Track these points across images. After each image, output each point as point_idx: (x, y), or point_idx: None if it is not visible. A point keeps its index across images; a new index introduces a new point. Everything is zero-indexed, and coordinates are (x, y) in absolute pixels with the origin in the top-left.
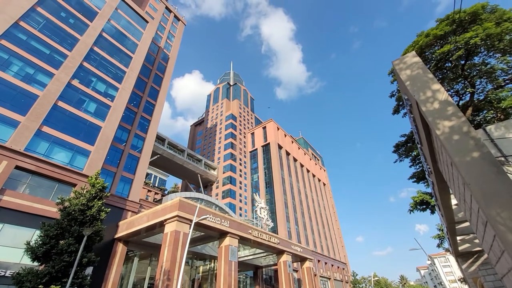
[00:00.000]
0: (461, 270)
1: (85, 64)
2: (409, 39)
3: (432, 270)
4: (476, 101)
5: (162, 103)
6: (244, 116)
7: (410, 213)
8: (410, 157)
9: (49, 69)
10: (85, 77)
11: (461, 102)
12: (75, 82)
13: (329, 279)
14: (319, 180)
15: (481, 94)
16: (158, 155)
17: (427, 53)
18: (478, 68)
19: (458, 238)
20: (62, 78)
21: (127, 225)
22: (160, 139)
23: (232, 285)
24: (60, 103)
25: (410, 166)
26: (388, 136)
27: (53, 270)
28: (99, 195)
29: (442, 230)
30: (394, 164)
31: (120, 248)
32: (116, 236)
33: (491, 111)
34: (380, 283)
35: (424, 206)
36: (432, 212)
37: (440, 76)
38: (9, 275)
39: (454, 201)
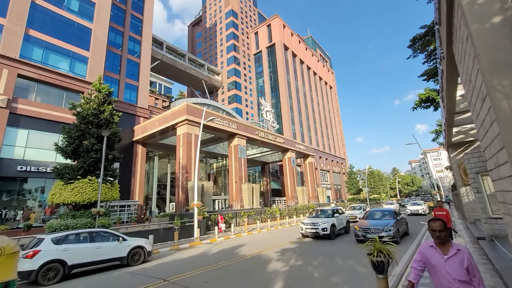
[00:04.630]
0: (449, 159)
1: None
2: None
3: (423, 162)
4: None
5: None
6: (246, 12)
7: (413, 110)
8: (425, 52)
9: None
10: None
11: None
12: None
13: (328, 171)
14: (326, 83)
15: None
16: (159, 61)
17: None
18: None
19: (454, 129)
20: None
21: (142, 129)
22: (157, 42)
23: (243, 177)
24: (38, 1)
25: (423, 63)
26: (402, 37)
27: (85, 165)
28: (108, 100)
29: (441, 125)
30: (402, 68)
31: (140, 149)
32: (134, 139)
33: None
34: (373, 174)
35: (429, 104)
36: (435, 108)
37: None
38: (50, 171)
39: (459, 93)
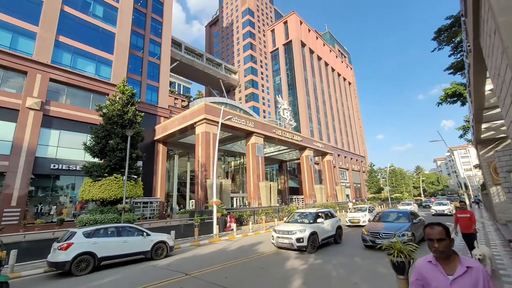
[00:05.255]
0: (478, 157)
1: None
2: None
3: (450, 160)
4: None
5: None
6: (262, 10)
7: (438, 105)
8: (452, 44)
9: None
10: None
11: None
12: None
13: (347, 169)
14: (345, 80)
15: None
16: (178, 61)
17: None
18: None
19: (483, 125)
20: None
21: (162, 129)
22: (176, 44)
23: (260, 175)
24: (67, 8)
25: (449, 56)
26: (426, 28)
27: (111, 163)
28: (131, 101)
29: (468, 121)
30: (427, 61)
31: (161, 148)
32: (155, 138)
33: None
34: (395, 172)
35: (455, 98)
36: (463, 103)
37: None
38: (79, 169)
39: (487, 87)
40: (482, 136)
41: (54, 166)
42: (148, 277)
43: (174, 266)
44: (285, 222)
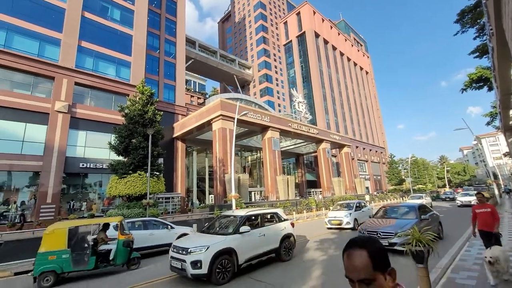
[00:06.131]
0: (507, 144)
1: None
2: None
3: (477, 149)
4: None
5: None
6: (274, 3)
7: (462, 92)
8: (477, 26)
9: None
10: None
11: None
12: None
13: (366, 161)
14: (361, 69)
15: None
16: (192, 60)
17: None
18: None
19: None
20: None
21: (180, 126)
22: (190, 42)
23: (278, 169)
24: (87, 14)
25: (474, 38)
26: (447, 14)
27: (135, 161)
28: (150, 101)
29: (496, 107)
30: (449, 46)
31: (180, 145)
32: (174, 135)
33: None
34: (417, 163)
35: (481, 84)
36: (490, 89)
37: None
38: (106, 167)
39: None
40: (511, 122)
41: (82, 165)
42: None
43: None
44: (200, 231)
